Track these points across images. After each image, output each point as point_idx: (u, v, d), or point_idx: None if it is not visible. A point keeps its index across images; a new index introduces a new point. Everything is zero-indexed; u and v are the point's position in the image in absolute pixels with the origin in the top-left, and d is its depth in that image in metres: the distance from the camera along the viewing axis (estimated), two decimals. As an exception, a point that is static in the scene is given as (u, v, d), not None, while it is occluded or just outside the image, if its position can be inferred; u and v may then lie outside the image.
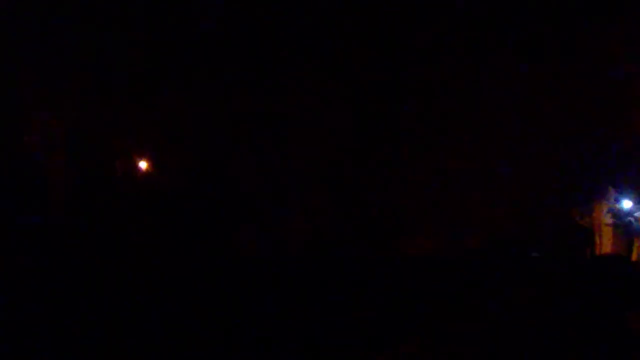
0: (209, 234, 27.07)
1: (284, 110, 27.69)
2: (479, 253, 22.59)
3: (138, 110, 27.44)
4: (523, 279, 20.83)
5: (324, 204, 27.48)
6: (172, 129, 28.21)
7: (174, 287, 19.50)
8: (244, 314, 17.39)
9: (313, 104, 27.42)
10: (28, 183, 25.01)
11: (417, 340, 16.54)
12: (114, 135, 27.27)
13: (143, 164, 28.25)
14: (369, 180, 26.91)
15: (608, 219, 25.05)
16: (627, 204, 24.44)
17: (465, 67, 26.51)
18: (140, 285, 19.65)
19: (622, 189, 24.73)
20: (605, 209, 25.12)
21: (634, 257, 24.31)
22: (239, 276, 21.62)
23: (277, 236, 27.05)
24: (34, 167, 25.46)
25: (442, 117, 26.46)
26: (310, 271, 22.84)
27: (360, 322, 17.56)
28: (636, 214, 24.25)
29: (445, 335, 16.89)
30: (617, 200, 24.72)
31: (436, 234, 25.35)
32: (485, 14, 25.86)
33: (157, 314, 16.89)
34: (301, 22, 26.86)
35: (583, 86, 25.45)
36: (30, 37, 25.09)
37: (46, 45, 25.76)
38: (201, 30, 27.47)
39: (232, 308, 17.81)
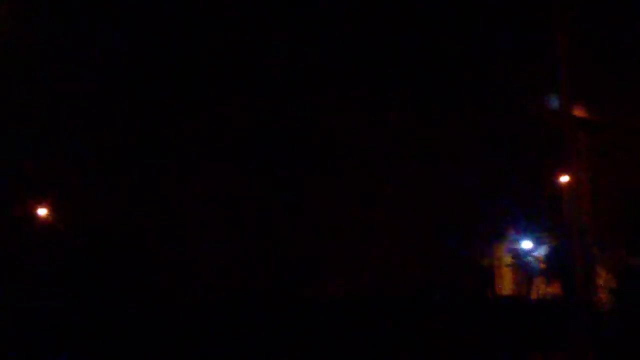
0: (115, 283, 26.31)
1: (186, 157, 27.38)
2: (375, 298, 22.65)
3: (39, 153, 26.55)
4: (423, 323, 20.98)
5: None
6: (75, 173, 27.37)
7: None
8: None
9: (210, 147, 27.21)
10: None
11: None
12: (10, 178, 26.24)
13: (42, 211, 27.08)
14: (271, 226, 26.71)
15: (508, 260, 25.58)
16: (526, 244, 24.99)
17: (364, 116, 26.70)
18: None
19: (521, 230, 25.32)
20: (505, 250, 25.64)
21: (534, 295, 24.92)
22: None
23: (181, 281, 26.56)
24: None
25: (339, 163, 26.38)
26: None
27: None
28: (535, 254, 24.86)
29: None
30: (517, 241, 25.26)
31: (335, 281, 25.24)
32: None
33: None
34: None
35: (481, 130, 26.07)
36: None
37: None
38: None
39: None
